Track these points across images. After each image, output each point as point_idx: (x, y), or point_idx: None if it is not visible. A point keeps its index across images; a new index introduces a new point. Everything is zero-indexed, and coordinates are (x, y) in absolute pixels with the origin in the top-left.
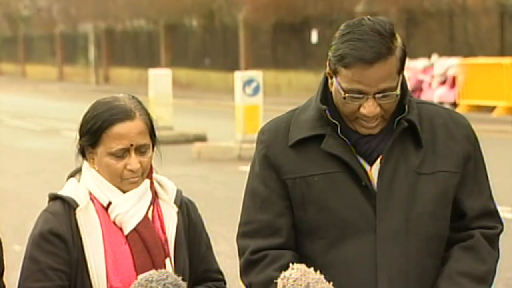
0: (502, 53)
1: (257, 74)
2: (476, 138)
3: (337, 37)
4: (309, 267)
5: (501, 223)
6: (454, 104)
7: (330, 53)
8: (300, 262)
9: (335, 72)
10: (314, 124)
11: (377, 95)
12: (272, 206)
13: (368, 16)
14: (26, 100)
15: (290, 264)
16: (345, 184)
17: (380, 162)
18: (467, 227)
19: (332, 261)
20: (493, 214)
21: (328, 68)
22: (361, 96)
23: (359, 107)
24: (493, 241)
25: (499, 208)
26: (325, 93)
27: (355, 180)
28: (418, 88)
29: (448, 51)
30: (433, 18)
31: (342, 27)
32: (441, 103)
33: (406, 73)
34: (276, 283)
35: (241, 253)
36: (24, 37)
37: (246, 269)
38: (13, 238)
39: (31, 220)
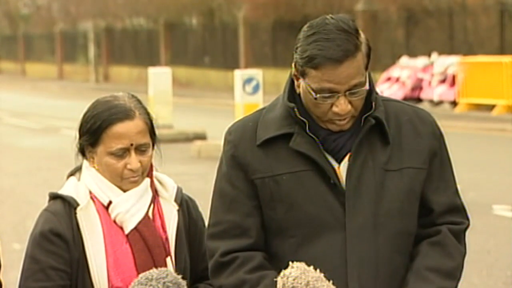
0: (501, 51)
1: (257, 73)
2: (441, 134)
3: (302, 38)
4: (279, 266)
5: (467, 219)
6: (454, 103)
7: (296, 55)
8: (270, 262)
9: (303, 74)
10: (281, 122)
11: (347, 92)
12: (240, 206)
13: (331, 15)
14: (26, 98)
15: (290, 263)
16: (313, 182)
17: (348, 160)
18: (434, 222)
19: (302, 260)
20: (460, 210)
21: (294, 70)
22: (332, 95)
23: (331, 107)
24: (460, 237)
25: (499, 207)
26: (292, 92)
27: (323, 178)
28: (418, 87)
29: (448, 49)
30: (433, 17)
31: (305, 28)
32: (441, 101)
33: (406, 71)
34: (249, 285)
35: (210, 255)
36: (24, 35)
37: (216, 271)
38: (12, 237)
39: (30, 219)
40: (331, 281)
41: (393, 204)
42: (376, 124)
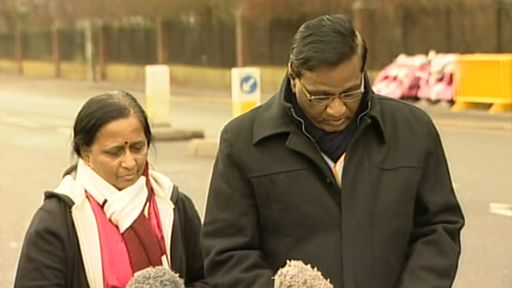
0: (499, 50)
1: (254, 71)
2: (437, 133)
3: (298, 39)
4: (274, 264)
5: (463, 218)
6: (452, 101)
7: (292, 56)
8: (265, 261)
9: (298, 75)
10: (278, 122)
11: (342, 95)
12: (235, 205)
13: (327, 16)
14: (23, 97)
15: (287, 261)
16: (309, 182)
17: (344, 159)
18: (429, 221)
19: (297, 259)
20: (455, 209)
21: (290, 70)
22: (326, 97)
23: (326, 108)
24: (455, 236)
25: (496, 205)
26: (288, 91)
27: (319, 177)
28: (416, 85)
29: (445, 48)
30: (430, 15)
31: (302, 28)
32: (439, 100)
33: (403, 70)
34: (244, 283)
35: (205, 253)
36: (21, 34)
37: (211, 270)
38: (9, 235)
39: (27, 217)
40: (327, 280)
41: (389, 203)
42: (372, 124)
